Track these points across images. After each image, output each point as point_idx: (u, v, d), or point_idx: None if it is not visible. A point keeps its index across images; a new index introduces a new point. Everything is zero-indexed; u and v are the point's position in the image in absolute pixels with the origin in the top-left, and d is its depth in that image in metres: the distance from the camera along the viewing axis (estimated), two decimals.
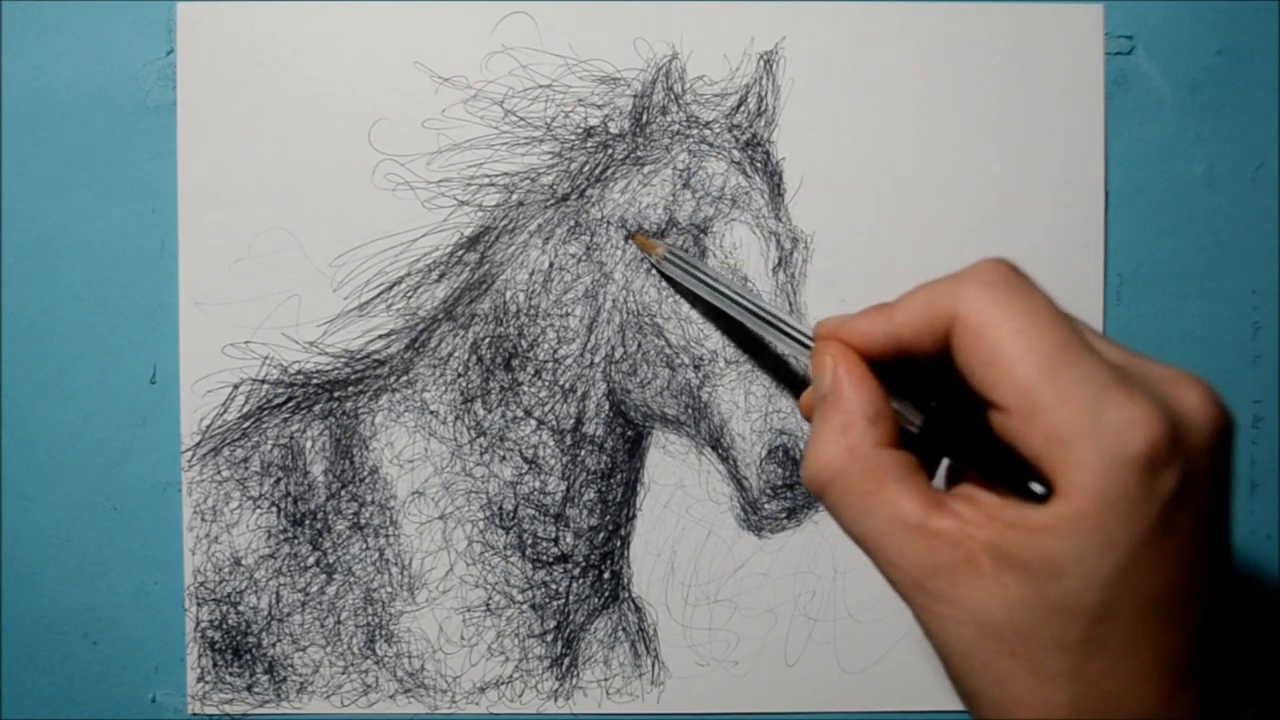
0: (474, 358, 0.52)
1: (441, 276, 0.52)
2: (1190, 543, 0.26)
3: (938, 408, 0.30)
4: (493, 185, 0.52)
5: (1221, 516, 0.27)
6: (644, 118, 0.52)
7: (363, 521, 0.52)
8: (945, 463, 0.33)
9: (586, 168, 0.52)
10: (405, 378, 0.52)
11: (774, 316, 0.41)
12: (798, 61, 0.52)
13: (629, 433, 0.53)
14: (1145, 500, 0.25)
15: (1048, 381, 0.26)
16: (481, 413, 0.52)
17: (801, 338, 0.39)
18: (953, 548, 0.27)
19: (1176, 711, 0.26)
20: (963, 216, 0.52)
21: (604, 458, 0.53)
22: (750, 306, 0.43)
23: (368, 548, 0.52)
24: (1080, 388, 0.26)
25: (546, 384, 0.52)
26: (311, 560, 0.52)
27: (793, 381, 0.52)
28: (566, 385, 0.52)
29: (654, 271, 0.51)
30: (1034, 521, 0.26)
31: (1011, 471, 0.28)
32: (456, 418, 0.53)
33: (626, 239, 0.51)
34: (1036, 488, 0.27)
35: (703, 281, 0.47)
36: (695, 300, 0.51)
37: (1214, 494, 0.27)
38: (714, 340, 0.52)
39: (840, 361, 0.32)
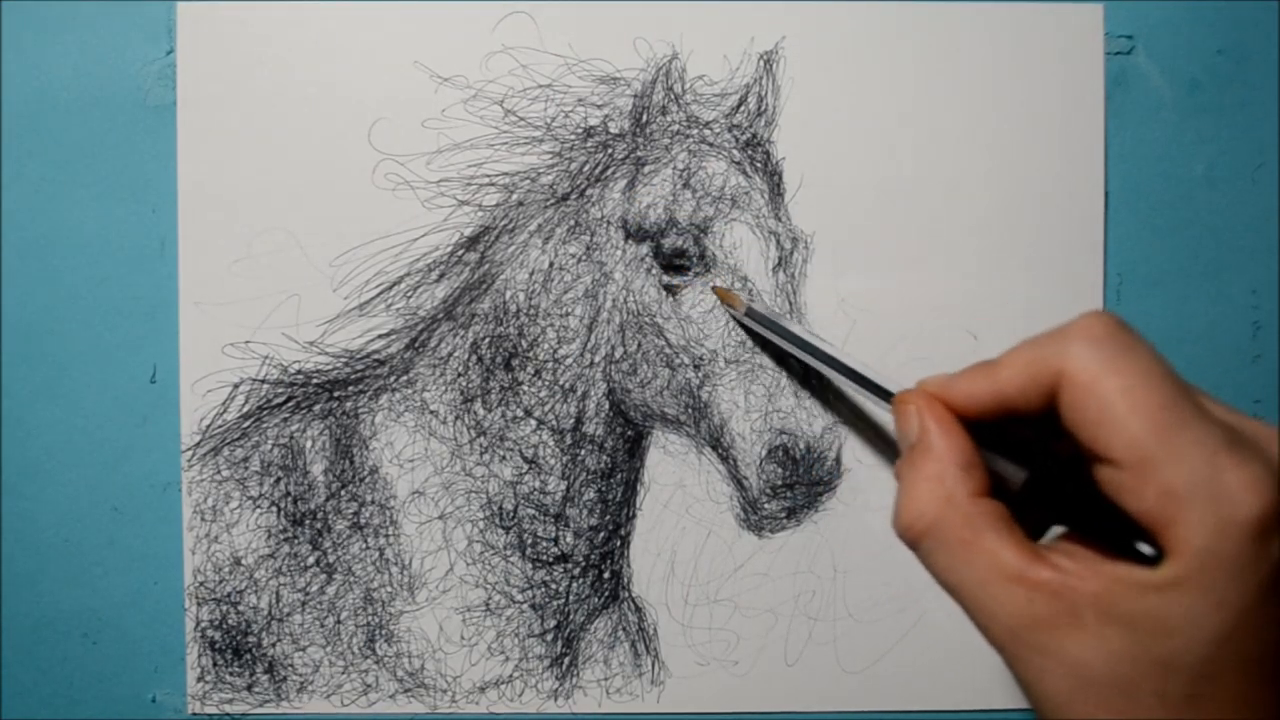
0: (474, 357, 0.52)
1: (441, 276, 0.52)
2: None
3: (1044, 465, 0.31)
4: (493, 185, 0.52)
5: None
6: (644, 118, 0.52)
7: (363, 521, 0.52)
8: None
9: (586, 168, 0.52)
10: (405, 377, 0.53)
11: (859, 374, 0.41)
12: (798, 61, 0.52)
13: (629, 432, 0.53)
14: (1256, 562, 0.26)
15: (1161, 439, 0.27)
16: (481, 412, 0.52)
17: (886, 392, 0.39)
18: (1054, 599, 0.28)
19: None
20: (963, 216, 0.52)
21: (604, 457, 0.53)
22: (835, 360, 0.43)
23: (368, 547, 0.52)
24: (1194, 448, 0.26)
25: (546, 384, 0.52)
26: (311, 560, 0.52)
27: (793, 382, 0.52)
28: (566, 385, 0.52)
29: (730, 320, 0.51)
30: (1143, 579, 0.27)
31: (1119, 528, 0.28)
32: (456, 418, 0.53)
33: (709, 288, 0.51)
34: (1145, 548, 0.27)
35: (783, 335, 0.47)
36: (772, 350, 0.51)
37: None
38: (714, 340, 0.52)
39: (926, 411, 0.32)
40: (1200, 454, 0.26)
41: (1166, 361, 0.28)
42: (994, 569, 0.29)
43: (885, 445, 0.52)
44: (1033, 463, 0.31)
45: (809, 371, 0.52)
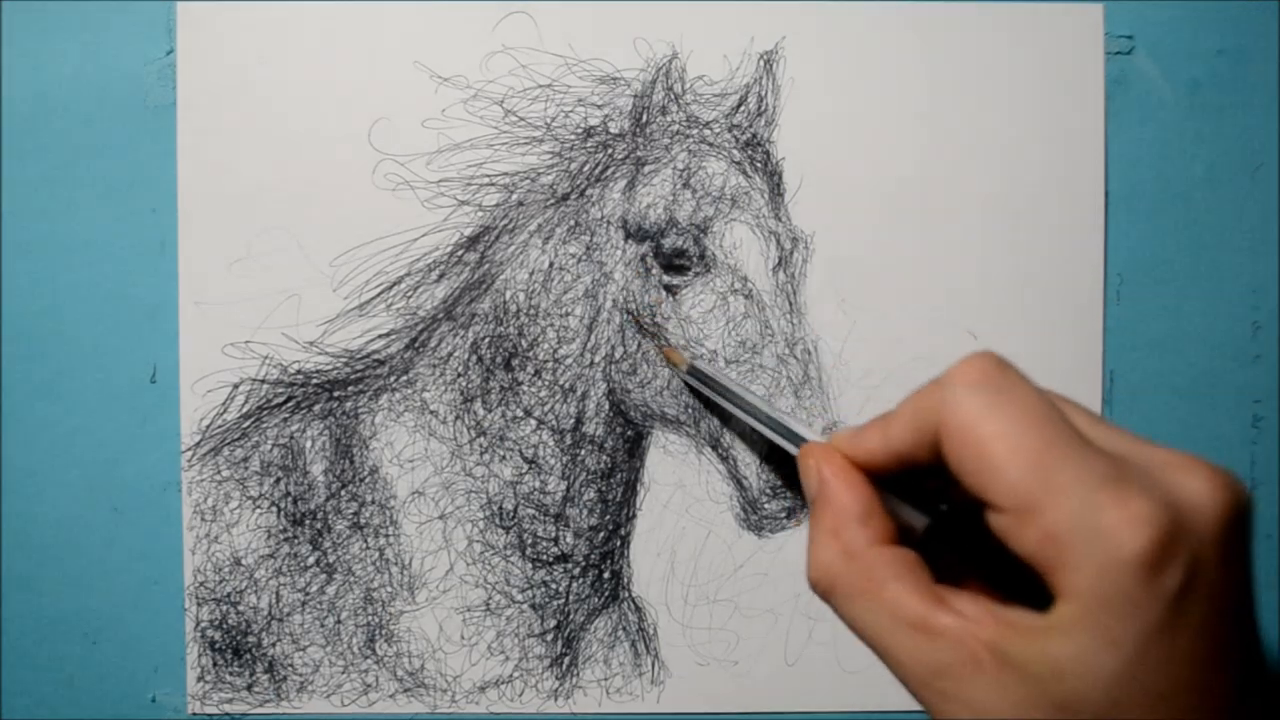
0: (474, 357, 0.52)
1: (441, 276, 0.52)
2: (1201, 635, 0.26)
3: (945, 511, 0.31)
4: (493, 185, 0.52)
5: (1238, 602, 0.27)
6: (644, 118, 0.52)
7: (363, 521, 0.52)
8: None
9: (586, 168, 0.52)
10: (405, 377, 0.53)
11: (783, 426, 0.42)
12: (798, 61, 0.52)
13: (629, 432, 0.53)
14: (1147, 599, 0.25)
15: (1039, 483, 0.26)
16: (481, 412, 0.52)
17: (802, 441, 0.40)
18: (956, 646, 0.27)
19: None
20: (962, 216, 0.52)
21: (604, 457, 0.53)
22: (763, 414, 0.44)
23: (368, 547, 0.52)
24: (1073, 488, 0.26)
25: (546, 384, 0.52)
26: (311, 560, 0.52)
27: (793, 382, 0.52)
28: (566, 385, 0.52)
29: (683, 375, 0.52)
30: (1033, 624, 0.26)
31: (1010, 574, 0.28)
32: (456, 417, 0.53)
33: (659, 350, 0.52)
34: (1040, 591, 0.27)
35: (719, 391, 0.48)
36: (718, 410, 0.51)
37: (1227, 581, 0.26)
38: (714, 340, 0.52)
39: (824, 464, 0.32)
40: (1078, 494, 0.26)
41: (1046, 399, 0.28)
42: (897, 617, 0.28)
43: None
44: (933, 509, 0.31)
45: (808, 371, 0.52)
